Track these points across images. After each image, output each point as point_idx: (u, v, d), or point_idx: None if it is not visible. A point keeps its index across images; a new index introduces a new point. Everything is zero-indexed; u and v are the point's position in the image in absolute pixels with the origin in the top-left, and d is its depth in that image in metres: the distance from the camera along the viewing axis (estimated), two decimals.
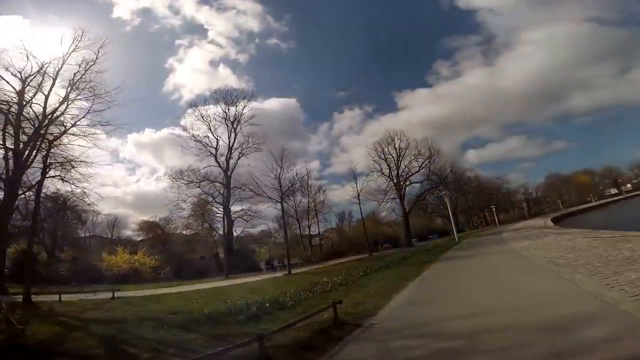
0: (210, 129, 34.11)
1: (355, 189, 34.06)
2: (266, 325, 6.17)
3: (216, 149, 33.75)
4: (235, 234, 34.12)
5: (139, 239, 34.62)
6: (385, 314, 6.01)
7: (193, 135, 33.53)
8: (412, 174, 40.96)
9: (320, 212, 42.53)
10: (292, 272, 21.95)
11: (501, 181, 77.18)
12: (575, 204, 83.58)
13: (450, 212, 37.12)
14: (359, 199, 34.16)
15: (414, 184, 41.95)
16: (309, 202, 41.69)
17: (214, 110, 35.02)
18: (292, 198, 41.28)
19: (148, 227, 33.54)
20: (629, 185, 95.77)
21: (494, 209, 65.50)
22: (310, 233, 43.92)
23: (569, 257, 8.62)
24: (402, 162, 40.75)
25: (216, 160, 33.32)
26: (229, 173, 32.81)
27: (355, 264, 20.25)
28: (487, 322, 4.29)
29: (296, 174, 26.54)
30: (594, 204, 77.09)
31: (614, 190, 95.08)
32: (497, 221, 65.59)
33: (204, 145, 33.40)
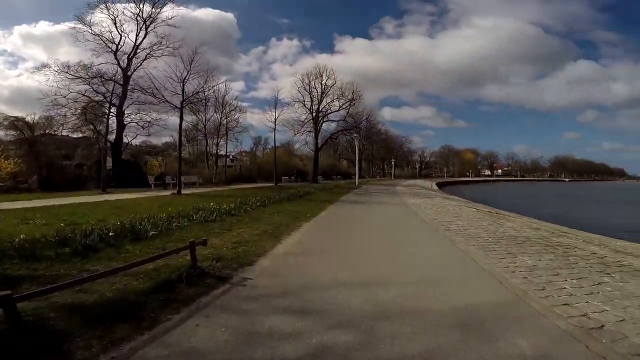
0: (115, 24, 27.17)
1: (274, 115, 31.84)
2: (97, 264, 4.40)
3: (118, 45, 27.33)
4: (127, 140, 29.12)
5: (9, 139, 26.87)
6: (267, 264, 4.83)
7: (91, 28, 26.36)
8: (331, 112, 41.04)
9: (232, 131, 39.38)
10: (185, 192, 19.71)
11: (405, 140, 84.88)
12: (457, 175, 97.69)
13: (357, 157, 38.42)
14: (274, 124, 32.19)
15: (331, 122, 42.06)
16: (220, 118, 38.13)
17: (127, 6, 27.92)
18: (202, 110, 37.13)
19: (10, 123, 25.72)
20: (499, 171, 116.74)
21: (393, 163, 71.58)
22: (219, 152, 40.81)
23: (459, 225, 8.78)
24: (324, 99, 40.36)
25: (115, 57, 27.10)
26: (129, 73, 27.02)
27: (258, 192, 19.18)
28: (384, 300, 3.40)
29: (206, 82, 22.36)
30: (470, 178, 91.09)
31: (487, 172, 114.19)
32: (393, 174, 72.56)
33: (103, 40, 26.75)
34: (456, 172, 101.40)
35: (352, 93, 39.96)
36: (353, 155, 45.25)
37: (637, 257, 5.08)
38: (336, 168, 59.20)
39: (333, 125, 42.79)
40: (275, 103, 33.20)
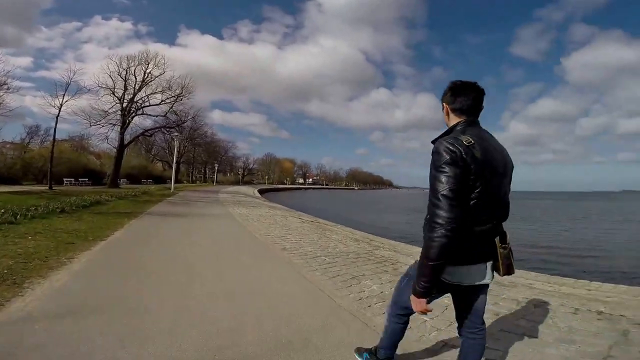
0: None
1: (62, 98, 23.76)
2: None
3: None
4: None
5: None
6: None
7: None
8: (150, 106, 34.60)
9: None
10: None
11: (231, 146, 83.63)
12: (276, 182, 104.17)
13: (174, 159, 33.78)
14: (59, 109, 24.09)
15: (147, 117, 35.56)
16: None
17: None
18: None
19: None
20: (310, 180, 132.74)
21: (216, 167, 68.76)
22: None
23: (292, 241, 8.07)
24: (144, 89, 33.66)
25: None
26: None
27: (12, 200, 13.06)
28: None
29: None
30: (288, 186, 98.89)
31: (301, 180, 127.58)
32: (215, 180, 69.63)
33: None
34: (275, 179, 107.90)
35: (182, 88, 35.10)
36: (171, 156, 39.82)
37: None
38: (147, 170, 50.97)
39: (149, 121, 36.31)
40: (67, 85, 24.88)
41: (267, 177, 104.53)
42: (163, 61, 33.78)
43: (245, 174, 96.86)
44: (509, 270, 1.71)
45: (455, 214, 1.47)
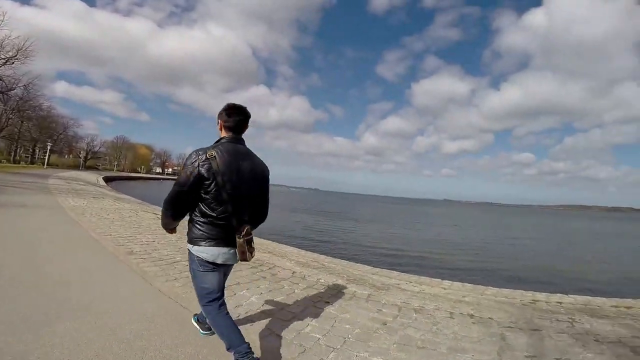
0: None
1: None
2: None
3: None
4: None
5: None
6: None
7: None
8: None
9: None
10: None
11: (73, 123, 67.69)
12: (128, 169, 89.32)
13: None
14: None
15: None
16: None
17: None
18: None
19: None
20: (170, 170, 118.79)
21: (49, 147, 54.76)
22: None
23: (143, 242, 6.50)
24: None
25: None
26: None
27: None
28: None
29: None
30: (142, 175, 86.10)
31: (159, 169, 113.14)
32: (47, 162, 55.55)
33: None
34: (127, 166, 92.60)
35: (18, 50, 26.79)
36: None
37: (329, 270, 5.36)
38: None
39: None
40: None
41: (116, 163, 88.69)
42: (1, 18, 25.43)
43: (89, 157, 79.73)
44: (243, 257, 2.13)
45: (174, 201, 2.10)
